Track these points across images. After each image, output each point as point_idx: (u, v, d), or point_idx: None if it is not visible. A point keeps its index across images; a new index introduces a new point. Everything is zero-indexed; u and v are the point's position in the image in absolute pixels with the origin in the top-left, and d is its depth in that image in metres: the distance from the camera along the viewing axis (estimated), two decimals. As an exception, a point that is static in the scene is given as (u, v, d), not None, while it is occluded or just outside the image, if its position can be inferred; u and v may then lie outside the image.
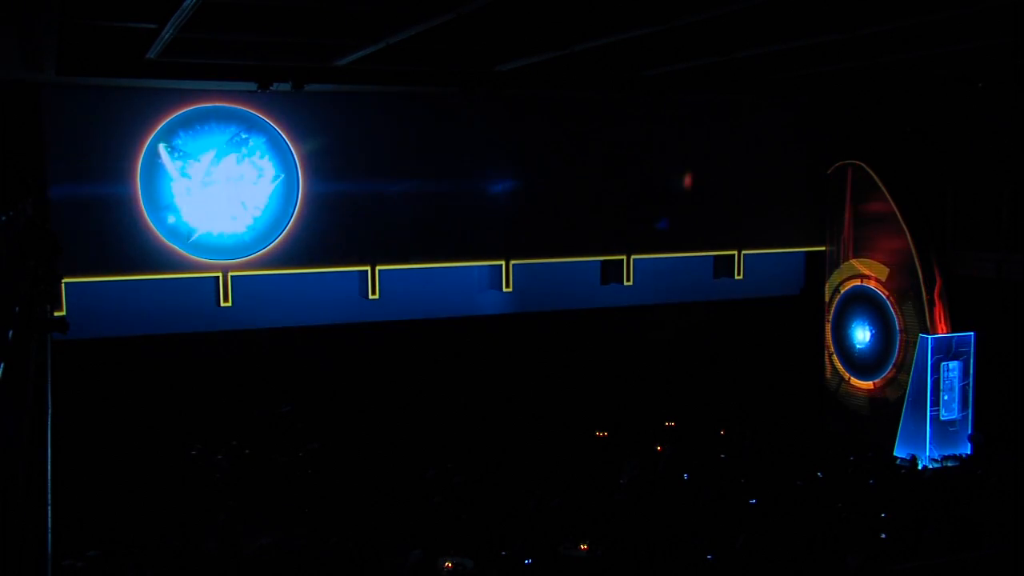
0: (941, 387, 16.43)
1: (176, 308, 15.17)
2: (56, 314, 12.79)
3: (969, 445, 16.44)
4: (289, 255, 15.67)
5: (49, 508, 5.92)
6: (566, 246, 17.32)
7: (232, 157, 15.30)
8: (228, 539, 11.93)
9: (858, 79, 16.23)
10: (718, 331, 18.58)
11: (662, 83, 15.44)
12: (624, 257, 17.65)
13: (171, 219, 15.03)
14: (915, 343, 16.57)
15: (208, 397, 15.16)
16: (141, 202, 14.80)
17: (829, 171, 18.37)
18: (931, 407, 16.37)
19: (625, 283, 17.69)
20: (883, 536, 11.95)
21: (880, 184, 17.18)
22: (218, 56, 12.81)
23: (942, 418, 16.47)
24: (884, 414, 17.24)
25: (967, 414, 16.62)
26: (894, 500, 13.09)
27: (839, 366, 18.34)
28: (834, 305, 18.41)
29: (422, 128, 16.30)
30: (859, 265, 17.83)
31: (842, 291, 18.23)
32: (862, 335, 17.81)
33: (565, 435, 16.45)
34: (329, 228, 15.89)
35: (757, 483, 13.92)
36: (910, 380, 16.64)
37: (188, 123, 14.99)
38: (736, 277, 18.50)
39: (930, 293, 16.50)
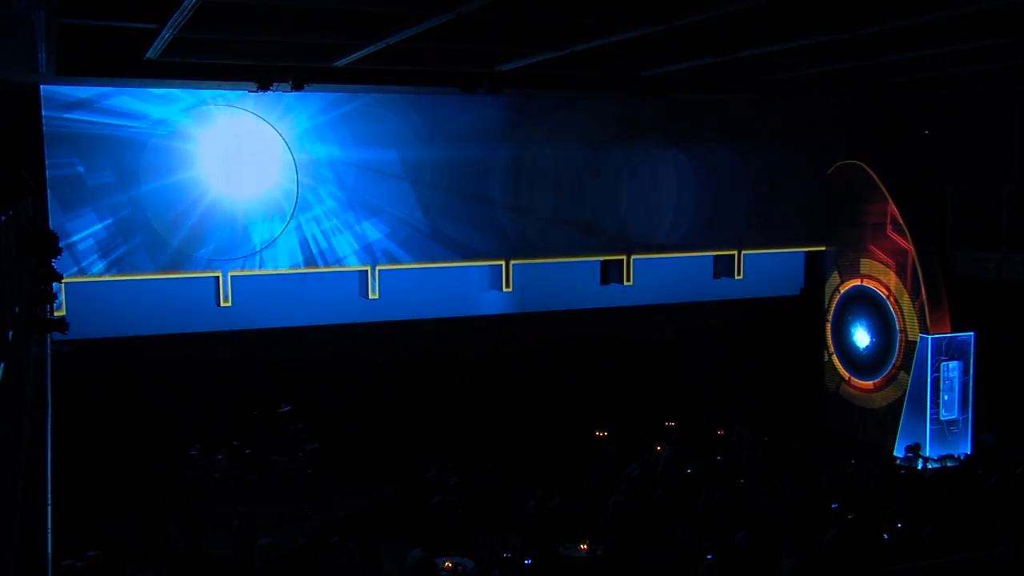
0: (941, 387, 16.43)
1: (176, 308, 15.16)
2: (56, 314, 12.80)
3: (969, 445, 16.45)
4: (288, 255, 15.67)
5: (49, 508, 5.91)
6: (566, 246, 17.32)
7: (232, 156, 15.30)
8: (242, 544, 11.93)
9: (858, 79, 16.23)
10: (718, 331, 18.57)
11: (662, 83, 15.44)
12: (624, 257, 17.66)
13: (172, 218, 15.02)
14: (915, 343, 16.58)
15: (208, 397, 15.16)
16: (142, 201, 14.80)
17: (829, 171, 18.37)
18: (931, 407, 16.38)
19: (625, 283, 17.69)
20: (884, 536, 11.96)
21: (880, 184, 17.18)
22: (218, 56, 12.81)
23: (942, 418, 16.47)
24: (884, 414, 17.25)
25: (967, 414, 16.62)
26: (894, 500, 13.09)
27: (839, 366, 18.34)
28: (834, 305, 18.41)
29: (423, 127, 16.29)
30: (859, 265, 17.83)
31: (842, 291, 18.23)
32: (862, 335, 17.81)
33: (565, 435, 16.45)
34: (329, 228, 15.90)
35: (757, 483, 13.92)
36: (910, 380, 16.64)
37: (188, 123, 14.99)
38: (736, 277, 18.50)
39: (930, 293, 16.50)
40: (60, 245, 9.98)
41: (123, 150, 14.69)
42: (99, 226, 14.66)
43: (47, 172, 14.15)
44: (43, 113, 14.06)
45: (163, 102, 14.84)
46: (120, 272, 14.77)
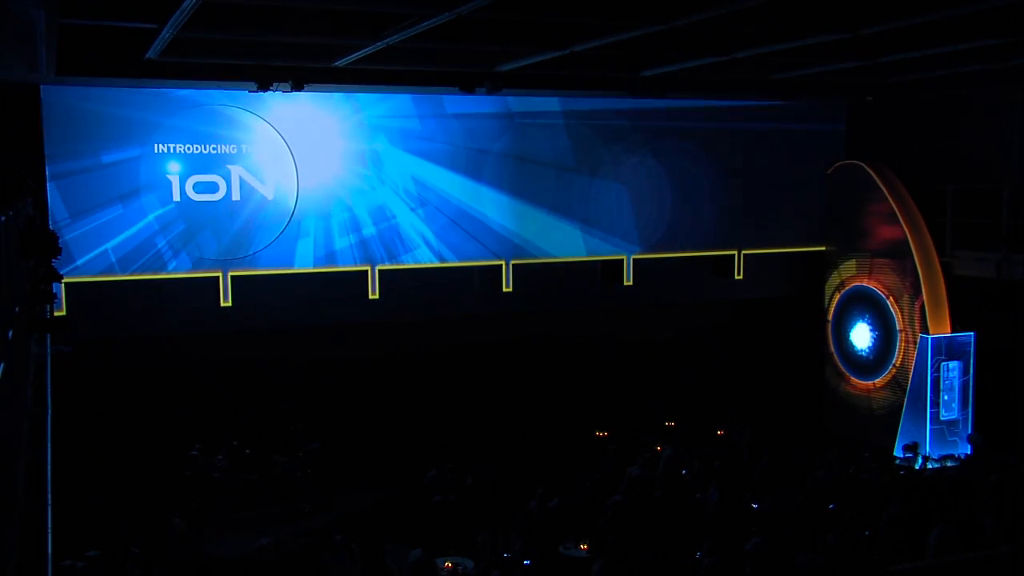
0: (941, 387, 16.43)
1: (176, 308, 15.16)
2: (56, 314, 12.80)
3: (969, 445, 16.44)
4: (288, 255, 15.67)
5: (49, 508, 5.91)
6: (567, 246, 17.32)
7: (231, 156, 15.30)
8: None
9: (858, 79, 16.23)
10: (718, 331, 18.57)
11: (662, 83, 15.44)
12: (624, 257, 17.66)
13: (171, 218, 15.02)
14: (915, 343, 16.58)
15: (208, 397, 15.16)
16: (141, 202, 14.80)
17: (829, 171, 18.37)
18: (931, 407, 16.38)
19: (625, 283, 17.69)
20: (881, 536, 11.95)
21: (880, 184, 17.19)
22: (218, 56, 12.81)
23: (942, 418, 16.47)
24: (884, 414, 17.25)
25: (967, 414, 16.62)
26: (894, 500, 13.07)
27: (839, 366, 18.34)
28: (834, 305, 18.41)
29: (422, 127, 16.30)
30: (859, 265, 17.84)
31: (842, 291, 18.24)
32: (862, 335, 17.80)
33: (565, 435, 16.45)
34: (327, 228, 15.89)
35: (756, 483, 13.92)
36: (910, 380, 16.64)
37: (187, 123, 14.99)
38: (736, 277, 18.50)
39: (930, 293, 16.50)
40: (60, 245, 9.99)
41: (123, 150, 14.69)
42: (99, 225, 14.67)
43: (47, 171, 14.15)
44: (44, 113, 14.07)
45: (163, 101, 14.84)
46: (121, 272, 14.77)
